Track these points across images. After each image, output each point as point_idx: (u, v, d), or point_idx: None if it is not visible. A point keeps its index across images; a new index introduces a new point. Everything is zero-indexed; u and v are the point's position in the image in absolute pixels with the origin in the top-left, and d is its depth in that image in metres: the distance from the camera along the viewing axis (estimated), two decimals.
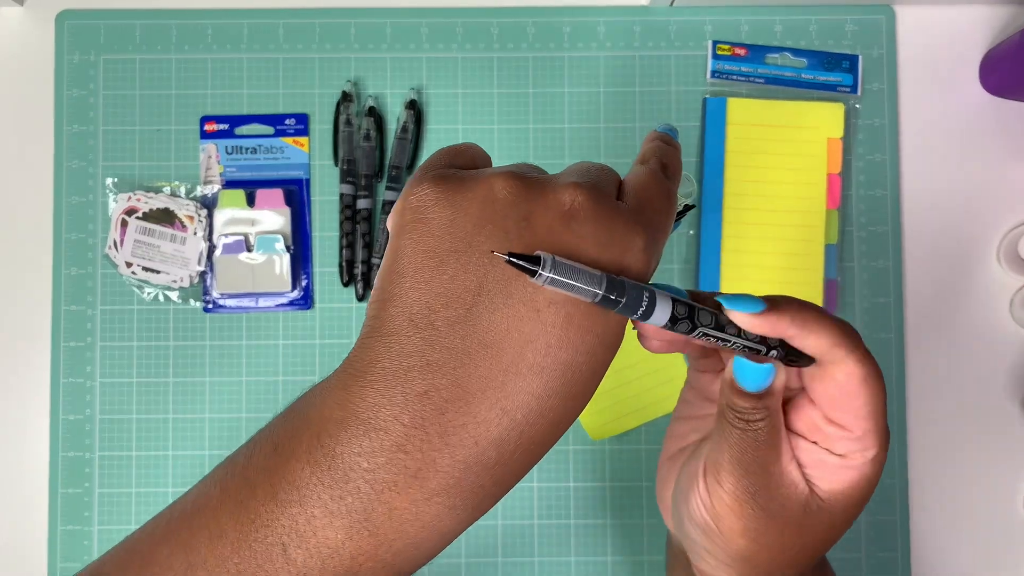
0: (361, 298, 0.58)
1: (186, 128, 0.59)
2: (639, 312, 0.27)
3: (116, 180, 0.59)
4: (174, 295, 0.58)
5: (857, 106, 0.60)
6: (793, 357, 0.30)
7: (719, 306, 0.29)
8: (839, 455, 0.31)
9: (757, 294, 0.30)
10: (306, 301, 0.58)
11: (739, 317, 0.29)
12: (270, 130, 0.59)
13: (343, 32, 0.60)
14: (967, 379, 0.59)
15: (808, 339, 0.29)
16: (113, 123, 0.59)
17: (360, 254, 0.58)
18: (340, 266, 0.58)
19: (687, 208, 0.39)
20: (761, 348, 0.30)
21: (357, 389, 0.26)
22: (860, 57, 0.60)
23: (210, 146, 0.59)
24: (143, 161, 0.59)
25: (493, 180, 0.27)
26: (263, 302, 0.58)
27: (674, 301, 0.28)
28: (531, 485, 0.58)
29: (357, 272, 0.58)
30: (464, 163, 0.30)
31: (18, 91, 0.60)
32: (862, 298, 0.59)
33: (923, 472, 0.58)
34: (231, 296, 0.58)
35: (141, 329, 0.58)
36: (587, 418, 0.58)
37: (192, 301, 0.58)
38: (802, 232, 0.58)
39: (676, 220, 0.35)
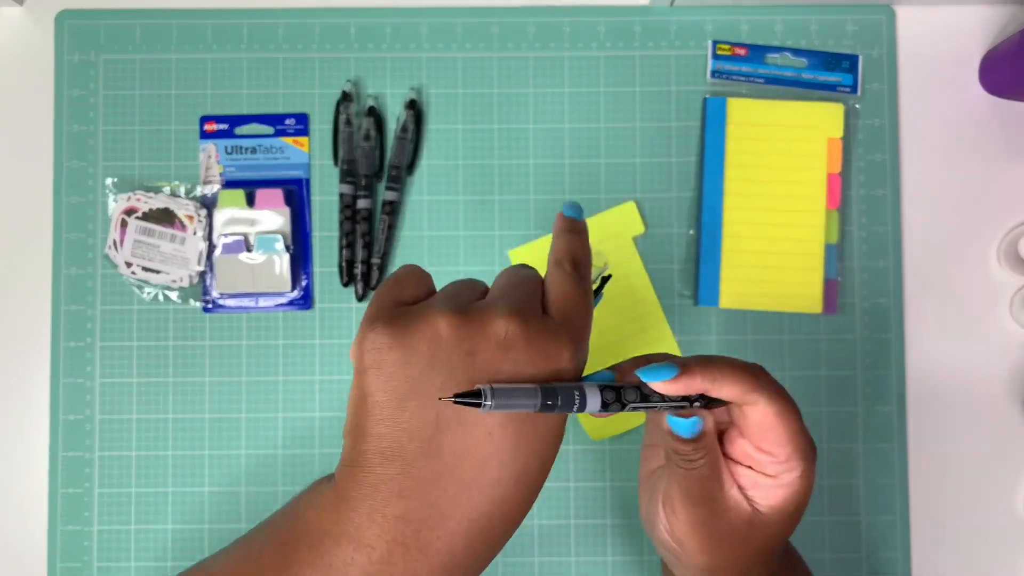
0: (361, 298, 0.58)
1: (186, 128, 0.59)
2: (574, 407, 0.32)
3: (116, 180, 0.59)
4: (174, 295, 0.58)
5: (857, 106, 0.60)
6: (714, 402, 0.35)
7: (640, 379, 0.34)
8: (771, 476, 0.35)
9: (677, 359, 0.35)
10: (306, 301, 0.58)
11: (657, 386, 0.33)
12: (270, 130, 0.59)
13: (343, 32, 0.60)
14: (967, 379, 0.59)
15: (722, 390, 0.34)
16: (113, 123, 0.59)
17: (360, 254, 0.58)
18: (340, 266, 0.58)
19: (605, 281, 0.41)
20: (685, 404, 0.34)
21: (346, 511, 0.31)
22: (860, 57, 0.60)
23: (210, 146, 0.59)
24: (143, 161, 0.59)
25: (437, 320, 0.31)
26: (263, 302, 0.58)
27: (601, 389, 0.33)
28: None
29: (357, 272, 0.58)
30: (408, 295, 0.34)
31: (18, 91, 0.60)
32: (862, 298, 0.59)
33: (923, 472, 0.59)
34: (231, 296, 0.58)
35: (141, 329, 0.58)
36: (587, 418, 0.58)
37: (192, 301, 0.58)
38: (802, 232, 0.58)
39: (597, 294, 0.39)
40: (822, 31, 0.60)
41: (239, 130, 0.59)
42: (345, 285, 0.58)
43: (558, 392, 0.31)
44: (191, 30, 0.60)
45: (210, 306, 0.58)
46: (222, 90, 0.59)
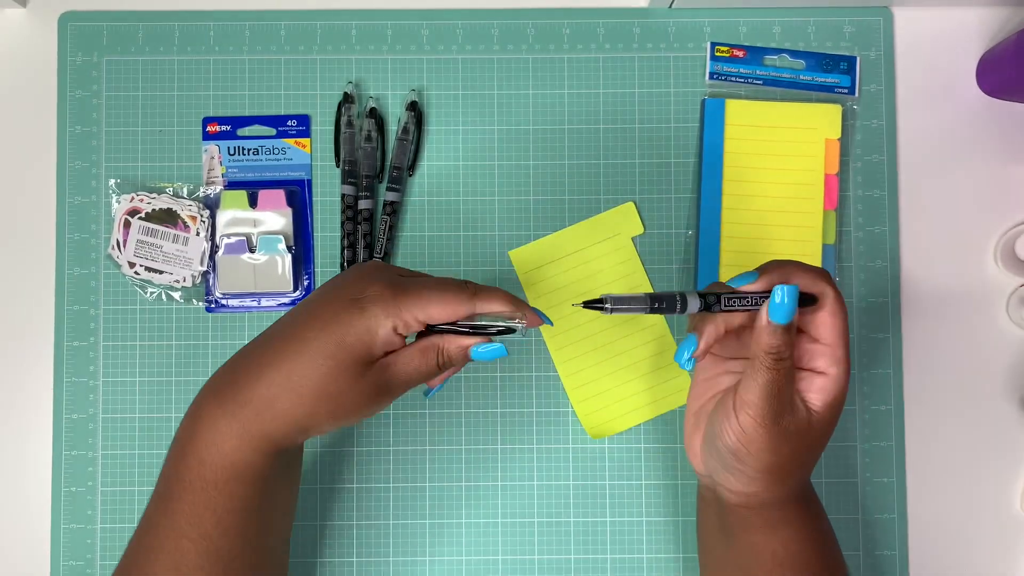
0: None
1: (188, 129, 0.60)
2: (677, 309, 0.41)
3: (119, 181, 0.59)
4: (177, 295, 0.58)
5: (855, 107, 0.60)
6: (806, 299, 0.42)
7: (730, 289, 0.43)
8: (821, 372, 0.43)
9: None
10: None
11: (745, 287, 0.42)
12: (272, 131, 0.59)
13: (344, 33, 0.60)
14: (964, 379, 0.59)
15: (799, 281, 0.42)
16: (116, 124, 0.60)
17: (361, 254, 0.58)
18: (342, 266, 0.59)
19: (503, 331, 0.44)
20: (766, 298, 0.42)
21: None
22: (858, 58, 0.60)
23: (212, 147, 0.59)
24: (145, 162, 0.59)
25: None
26: (265, 302, 0.59)
27: (700, 295, 0.42)
28: (531, 483, 0.58)
29: None
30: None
31: (21, 92, 0.60)
32: (859, 298, 0.59)
33: (921, 471, 0.59)
34: (233, 296, 0.58)
35: (144, 329, 0.59)
36: (587, 418, 0.58)
37: (195, 301, 0.59)
38: (800, 233, 0.59)
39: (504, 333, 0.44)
40: (820, 33, 0.60)
41: (241, 131, 0.59)
42: None
43: (662, 298, 0.41)
44: (193, 32, 0.60)
45: (213, 306, 0.59)
46: (224, 91, 0.60)
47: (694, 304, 0.41)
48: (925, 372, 0.59)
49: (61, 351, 0.58)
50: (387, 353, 0.42)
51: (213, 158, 0.59)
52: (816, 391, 0.43)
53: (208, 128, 0.59)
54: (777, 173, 0.59)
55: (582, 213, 0.59)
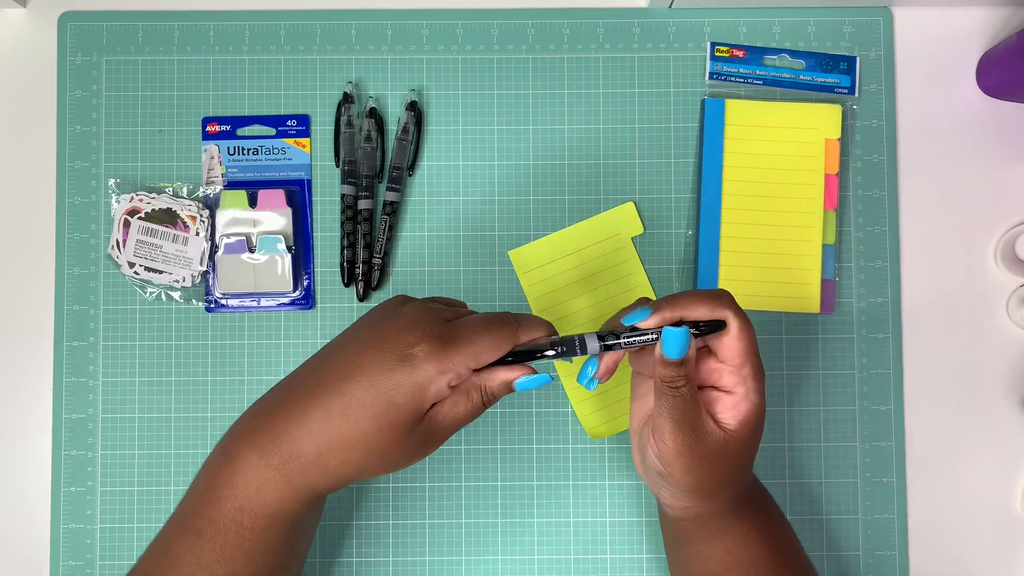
0: (362, 298, 0.59)
1: (188, 129, 0.60)
2: (577, 352, 0.42)
3: (118, 180, 0.59)
4: (176, 295, 0.58)
5: (855, 107, 0.60)
6: (707, 328, 0.42)
7: (623, 326, 0.43)
8: (730, 392, 0.43)
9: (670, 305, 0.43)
10: (308, 301, 0.59)
11: (640, 324, 0.43)
12: (271, 131, 0.59)
13: (344, 33, 0.60)
14: (964, 379, 0.59)
15: (695, 313, 0.42)
16: (115, 124, 0.60)
17: (361, 254, 0.58)
18: (341, 266, 0.59)
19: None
20: (656, 336, 0.43)
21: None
22: (858, 58, 0.60)
23: (212, 147, 0.59)
24: (145, 162, 0.59)
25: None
26: (265, 302, 0.59)
27: (599, 336, 0.43)
28: (531, 483, 0.58)
29: (358, 272, 0.58)
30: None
31: (21, 92, 0.60)
32: (859, 298, 0.59)
33: (921, 471, 0.59)
34: (233, 296, 0.58)
35: (143, 328, 0.59)
36: (586, 418, 0.58)
37: (194, 301, 0.59)
38: (800, 233, 0.59)
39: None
40: (820, 33, 0.60)
41: (241, 131, 0.59)
42: (347, 285, 0.59)
43: (563, 342, 0.42)
44: (193, 31, 0.60)
45: (212, 306, 0.59)
46: (224, 91, 0.60)
47: (593, 345, 0.42)
48: (925, 372, 0.59)
49: (61, 351, 0.58)
50: (433, 404, 0.41)
51: (213, 158, 0.59)
52: (728, 410, 0.43)
53: (208, 128, 0.59)
54: (777, 173, 0.59)
55: (582, 213, 0.59)
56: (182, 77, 0.60)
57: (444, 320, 0.41)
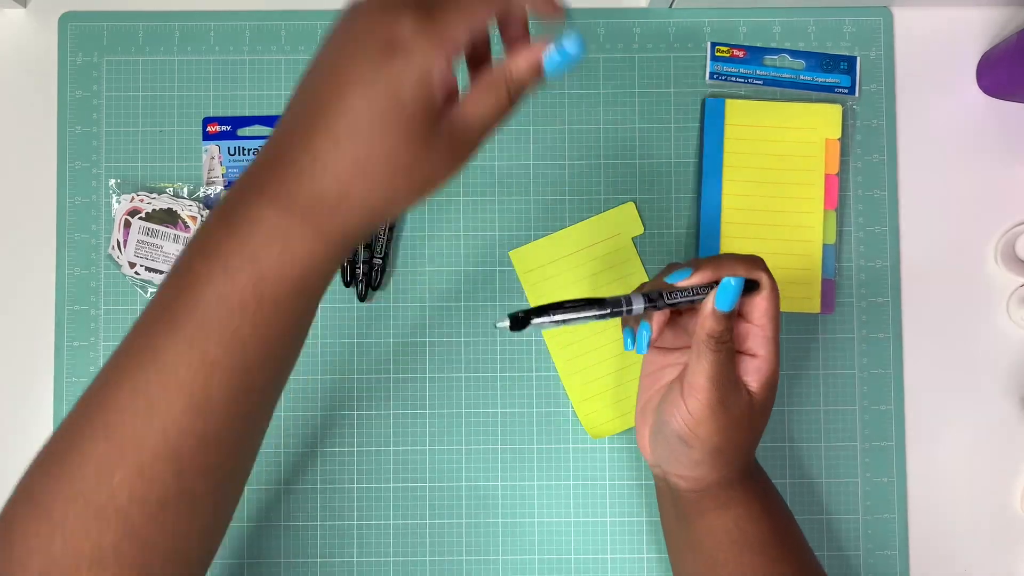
0: (362, 298, 0.59)
1: (188, 129, 0.60)
2: (624, 311, 0.43)
3: (119, 181, 0.59)
4: None
5: (855, 107, 0.60)
6: (749, 286, 0.44)
7: (668, 286, 0.44)
8: (753, 355, 0.45)
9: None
10: None
11: (680, 283, 0.44)
12: (272, 131, 0.59)
13: None
14: (964, 379, 0.59)
15: (733, 272, 0.44)
16: (116, 124, 0.60)
17: (361, 254, 0.58)
18: (342, 266, 0.59)
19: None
20: (706, 293, 0.44)
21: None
22: (858, 58, 0.60)
23: (212, 147, 0.59)
24: (145, 162, 0.59)
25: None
26: None
27: (644, 294, 0.43)
28: (532, 483, 0.58)
29: (359, 272, 0.58)
30: None
31: (21, 92, 0.60)
32: (859, 298, 0.59)
33: (921, 471, 0.59)
34: None
35: None
36: (587, 418, 0.58)
37: None
38: (800, 232, 0.59)
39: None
40: (820, 33, 0.60)
41: (241, 131, 0.59)
42: (347, 285, 0.59)
43: (609, 302, 0.42)
44: (193, 32, 0.60)
45: None
46: (224, 91, 0.60)
47: (639, 303, 0.43)
48: (925, 372, 0.59)
49: (61, 351, 0.58)
50: (446, 102, 0.35)
51: (213, 158, 0.59)
52: (752, 373, 0.46)
53: (208, 128, 0.59)
54: (777, 173, 0.59)
55: (582, 213, 0.59)
56: (182, 77, 0.60)
57: None
